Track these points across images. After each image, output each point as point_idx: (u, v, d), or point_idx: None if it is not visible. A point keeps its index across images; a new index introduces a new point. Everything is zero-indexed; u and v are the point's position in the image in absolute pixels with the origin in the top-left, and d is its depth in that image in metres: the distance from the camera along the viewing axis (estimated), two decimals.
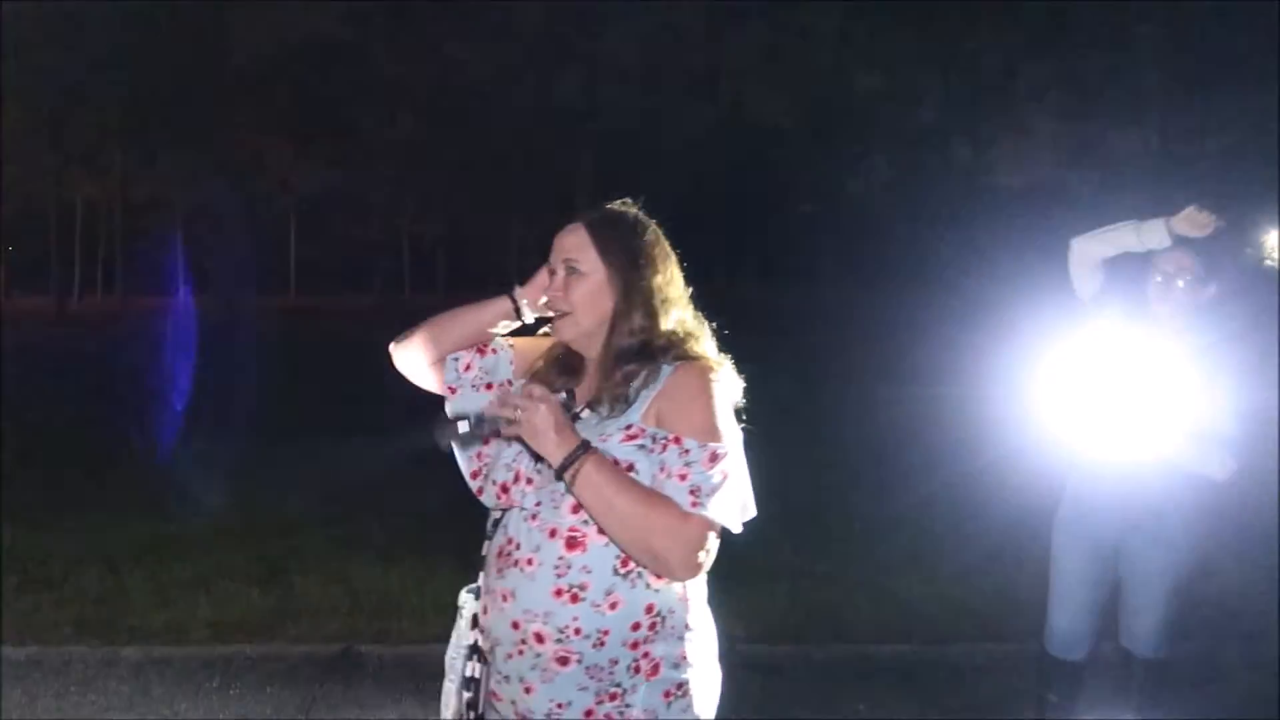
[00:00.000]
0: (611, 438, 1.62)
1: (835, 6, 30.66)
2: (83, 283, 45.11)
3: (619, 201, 1.80)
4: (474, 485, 1.81)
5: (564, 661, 1.61)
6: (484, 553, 1.72)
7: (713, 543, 1.58)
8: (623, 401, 1.65)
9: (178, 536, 5.33)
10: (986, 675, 3.81)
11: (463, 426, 1.58)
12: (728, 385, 1.70)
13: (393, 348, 1.91)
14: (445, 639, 1.79)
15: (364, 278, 41.14)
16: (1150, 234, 2.81)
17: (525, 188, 35.49)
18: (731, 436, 1.63)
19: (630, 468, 1.59)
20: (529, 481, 1.67)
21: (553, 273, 1.74)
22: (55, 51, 24.98)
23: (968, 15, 30.56)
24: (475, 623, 1.72)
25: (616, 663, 1.61)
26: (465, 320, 1.86)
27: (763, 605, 4.33)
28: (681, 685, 1.66)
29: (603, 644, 1.60)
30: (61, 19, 24.42)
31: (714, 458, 1.58)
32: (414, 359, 1.90)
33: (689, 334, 1.73)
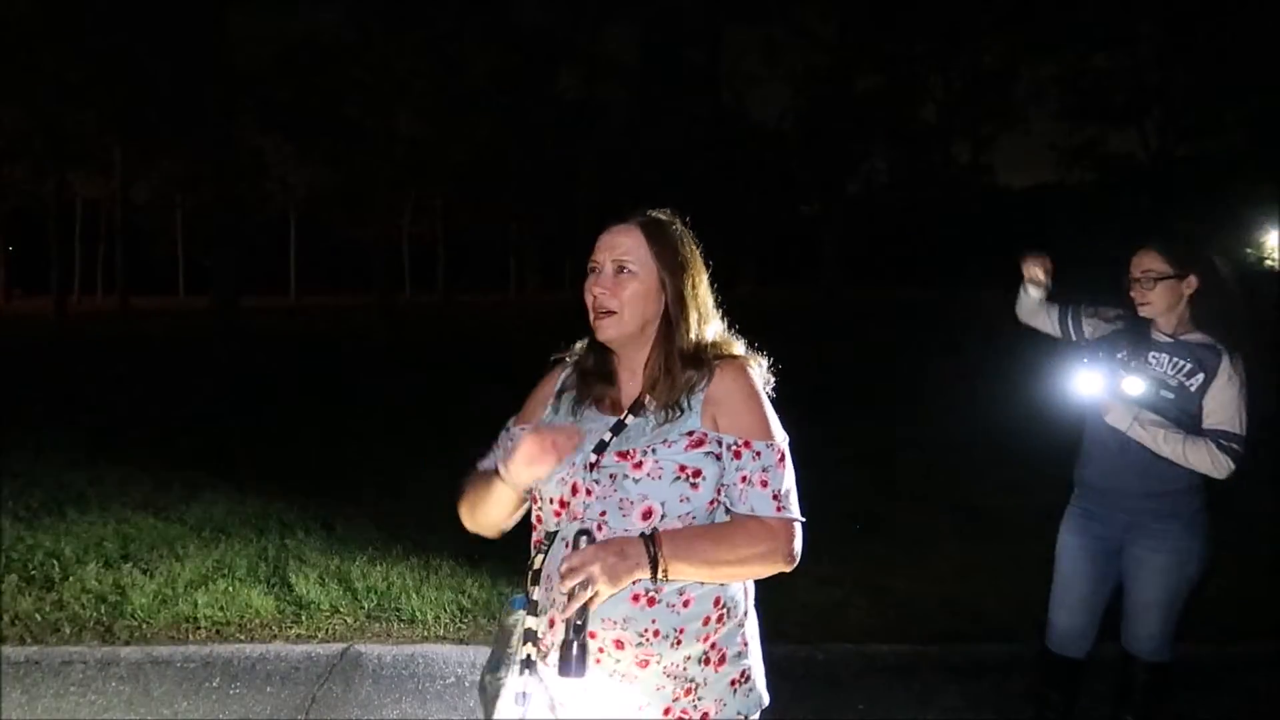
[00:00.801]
0: (675, 444, 1.64)
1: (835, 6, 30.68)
2: (83, 283, 45.14)
3: (660, 210, 1.81)
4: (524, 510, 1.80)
5: (644, 664, 1.63)
6: (536, 567, 1.68)
7: (800, 533, 1.67)
8: (678, 407, 1.67)
9: (178, 535, 5.33)
10: (986, 675, 3.81)
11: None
12: (765, 381, 1.76)
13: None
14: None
15: (363, 278, 41.12)
16: (1027, 295, 3.13)
17: (525, 188, 35.50)
18: (783, 431, 1.71)
19: (698, 473, 1.63)
20: (588, 493, 1.65)
21: (596, 269, 1.72)
22: (55, 51, 24.97)
23: (967, 15, 30.57)
24: (529, 637, 1.66)
25: (690, 658, 1.65)
26: (483, 505, 1.78)
27: (763, 605, 4.32)
28: (745, 672, 1.73)
29: (679, 642, 1.63)
30: (61, 18, 24.41)
31: (781, 457, 1.68)
32: (493, 524, 1.83)
33: (727, 341, 1.78)
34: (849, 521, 5.80)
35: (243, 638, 4.11)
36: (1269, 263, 28.75)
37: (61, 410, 10.20)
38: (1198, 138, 30.50)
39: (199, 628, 4.17)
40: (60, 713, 3.48)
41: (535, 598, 1.67)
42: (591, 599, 1.54)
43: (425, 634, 4.12)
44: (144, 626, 4.17)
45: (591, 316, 1.72)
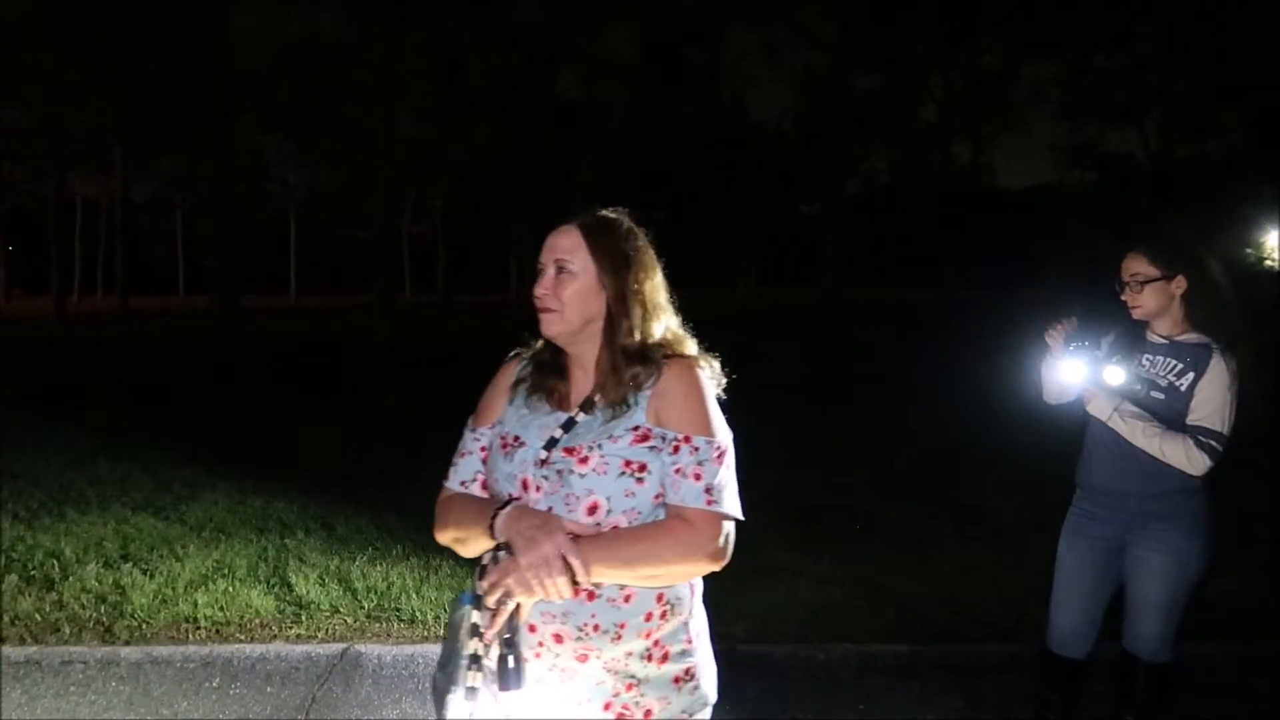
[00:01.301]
0: (620, 439, 1.67)
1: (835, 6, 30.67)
2: (83, 283, 45.14)
3: (612, 209, 1.84)
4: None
5: (583, 659, 1.65)
6: (484, 562, 1.69)
7: (732, 531, 1.67)
8: (624, 403, 1.70)
9: (178, 535, 5.33)
10: (986, 675, 3.81)
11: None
12: (715, 381, 1.77)
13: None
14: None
15: (364, 278, 41.13)
16: (1052, 365, 2.90)
17: (524, 188, 35.51)
18: (726, 430, 1.72)
19: (643, 468, 1.65)
20: (537, 489, 1.68)
21: (542, 270, 1.77)
22: (56, 50, 24.99)
23: (968, 15, 30.57)
24: (475, 632, 1.68)
25: (631, 654, 1.66)
26: (471, 544, 1.75)
27: (763, 605, 4.34)
28: (689, 669, 1.73)
29: (620, 638, 1.65)
30: (61, 18, 24.42)
31: (720, 454, 1.68)
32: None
33: (678, 338, 1.79)
34: (849, 521, 5.81)
35: (243, 638, 4.10)
36: (1269, 263, 28.76)
37: (61, 410, 10.20)
38: (1198, 138, 30.52)
39: (199, 628, 4.17)
40: (60, 713, 3.48)
41: (480, 591, 1.70)
42: (517, 610, 1.58)
43: (425, 634, 4.12)
44: (144, 626, 4.17)
45: (538, 314, 1.76)
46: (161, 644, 4.03)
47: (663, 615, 1.68)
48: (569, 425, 1.71)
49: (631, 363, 1.72)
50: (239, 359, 16.09)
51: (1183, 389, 2.71)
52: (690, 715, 1.73)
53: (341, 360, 16.42)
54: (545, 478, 1.67)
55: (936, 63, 33.53)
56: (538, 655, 1.65)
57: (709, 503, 1.64)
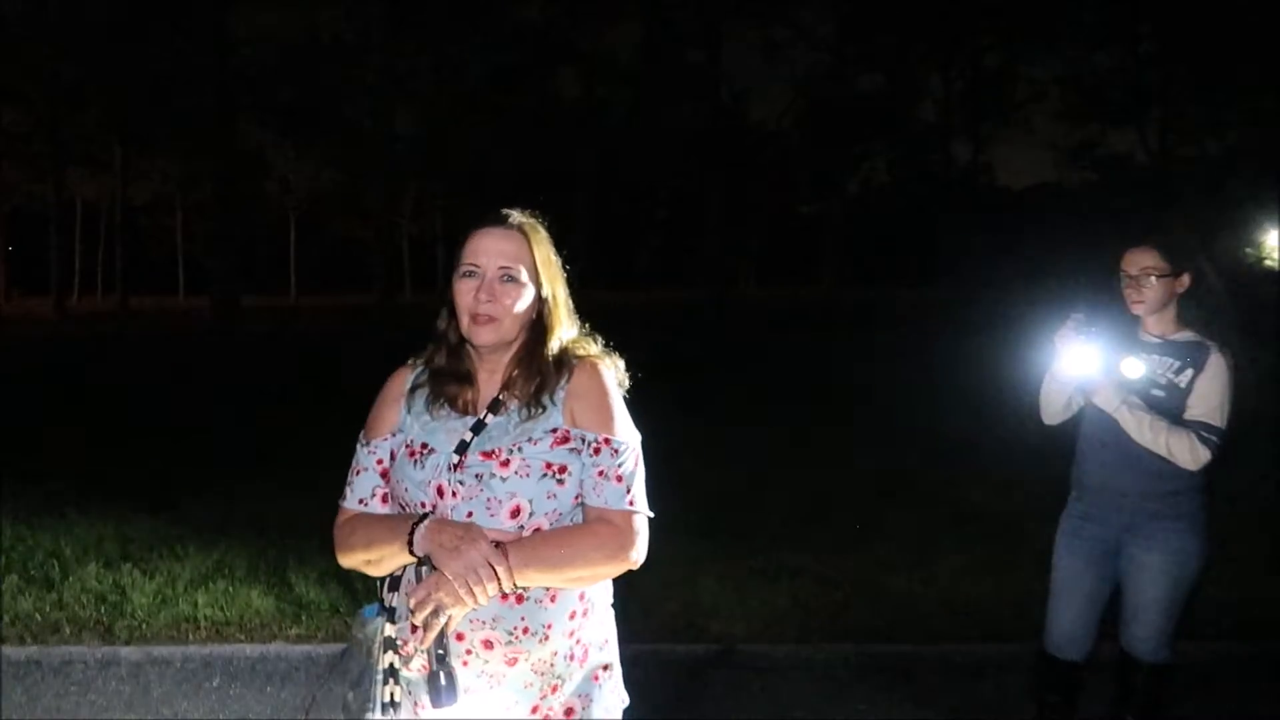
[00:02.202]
0: (540, 441, 1.66)
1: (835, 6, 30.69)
2: (83, 283, 45.15)
3: (523, 211, 1.81)
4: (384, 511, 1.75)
5: (512, 663, 1.64)
6: (396, 572, 1.68)
7: (646, 532, 1.69)
8: (539, 405, 1.69)
9: (178, 535, 5.33)
10: (986, 675, 3.81)
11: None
12: (620, 380, 1.78)
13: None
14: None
15: (363, 278, 41.18)
16: (1064, 354, 2.81)
17: (524, 187, 35.52)
18: (635, 430, 1.74)
19: (563, 469, 1.65)
20: (454, 494, 1.65)
21: (474, 274, 1.71)
22: (55, 50, 25.00)
23: (967, 15, 30.57)
24: (390, 645, 1.66)
25: (557, 654, 1.66)
26: (386, 563, 1.70)
27: (763, 605, 4.34)
28: (607, 666, 1.75)
29: (547, 638, 1.65)
30: (61, 18, 24.43)
31: (636, 456, 1.70)
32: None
33: (581, 338, 1.80)
34: (849, 521, 5.80)
35: (243, 638, 4.10)
36: (1269, 263, 28.74)
37: (61, 410, 10.20)
38: (1198, 138, 30.51)
39: (199, 628, 4.17)
40: (60, 713, 3.48)
41: (393, 604, 1.68)
42: (447, 623, 1.56)
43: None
44: (144, 626, 4.17)
45: (465, 320, 1.70)
46: (161, 644, 4.03)
47: (584, 613, 1.69)
48: (478, 428, 1.68)
49: (554, 368, 1.72)
50: (239, 358, 16.09)
51: (1182, 386, 2.71)
52: (608, 714, 1.73)
53: (341, 359, 16.42)
54: (461, 482, 1.64)
55: (937, 62, 33.53)
56: (465, 663, 1.62)
57: (630, 504, 1.67)
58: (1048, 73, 32.72)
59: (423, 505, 1.66)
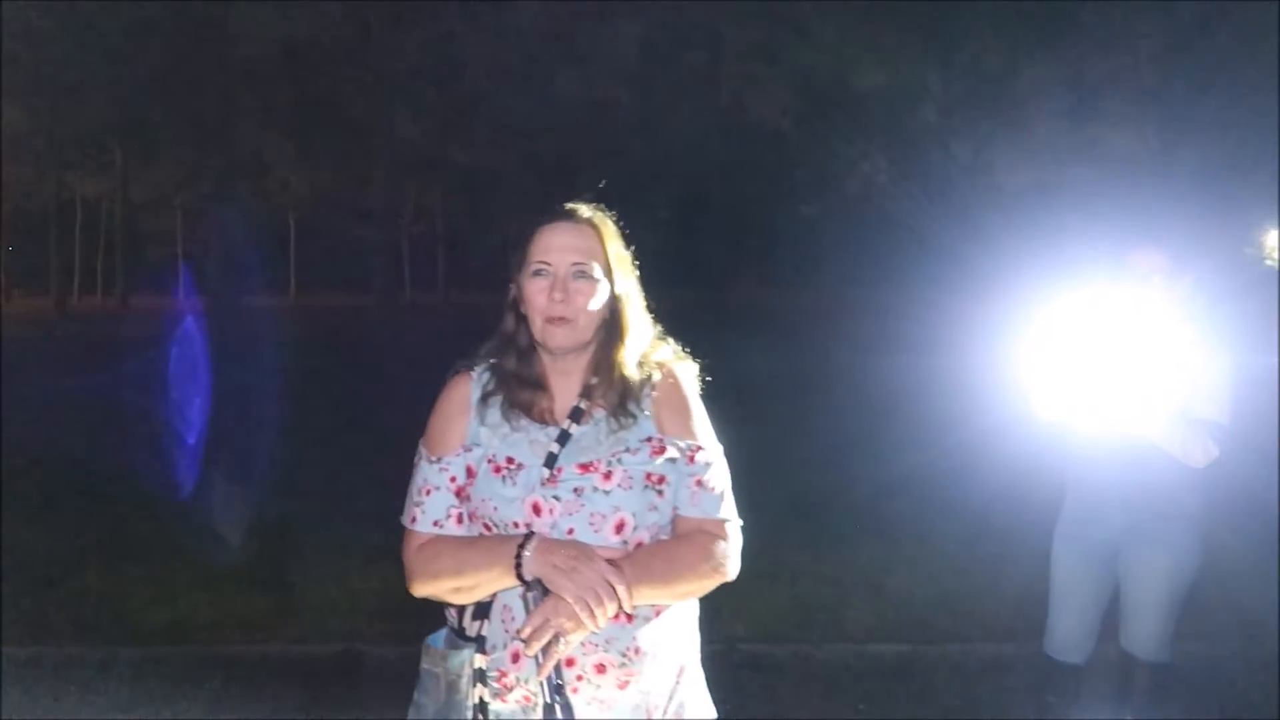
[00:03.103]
0: (638, 452, 1.57)
1: (835, 6, 30.65)
2: (83, 283, 45.13)
3: (591, 204, 1.68)
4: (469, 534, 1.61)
5: (624, 686, 1.54)
6: (486, 599, 1.56)
7: (740, 538, 1.64)
8: (628, 414, 1.60)
9: (178, 536, 5.33)
10: (986, 675, 3.81)
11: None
12: (697, 382, 1.71)
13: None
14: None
15: (363, 278, 41.17)
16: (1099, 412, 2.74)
17: (524, 188, 35.51)
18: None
19: (662, 480, 1.57)
20: (550, 511, 1.54)
21: (545, 273, 1.59)
22: (55, 50, 24.99)
23: (968, 15, 30.56)
24: (480, 678, 1.54)
25: (664, 672, 1.59)
26: (479, 590, 1.57)
27: (763, 605, 4.33)
28: (696, 678, 1.68)
29: (657, 657, 1.57)
30: (61, 18, 24.44)
31: (723, 462, 1.64)
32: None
33: (658, 343, 1.71)
34: (849, 521, 5.80)
35: (243, 638, 4.11)
36: (1269, 262, 28.73)
37: (61, 409, 10.20)
38: (1198, 137, 30.49)
39: (199, 628, 4.17)
40: (60, 713, 3.48)
41: (481, 633, 1.56)
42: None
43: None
44: (144, 626, 4.17)
45: (540, 322, 1.59)
46: (161, 644, 4.03)
47: (684, 627, 1.63)
48: (564, 439, 1.57)
49: (639, 372, 1.62)
50: (238, 358, 16.08)
51: (1187, 385, 2.70)
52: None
53: (341, 359, 16.43)
54: (557, 497, 1.53)
55: (937, 61, 33.50)
56: (575, 690, 1.51)
57: (726, 513, 1.61)
58: (1048, 72, 32.70)
59: (516, 525, 1.53)
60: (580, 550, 1.47)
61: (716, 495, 1.61)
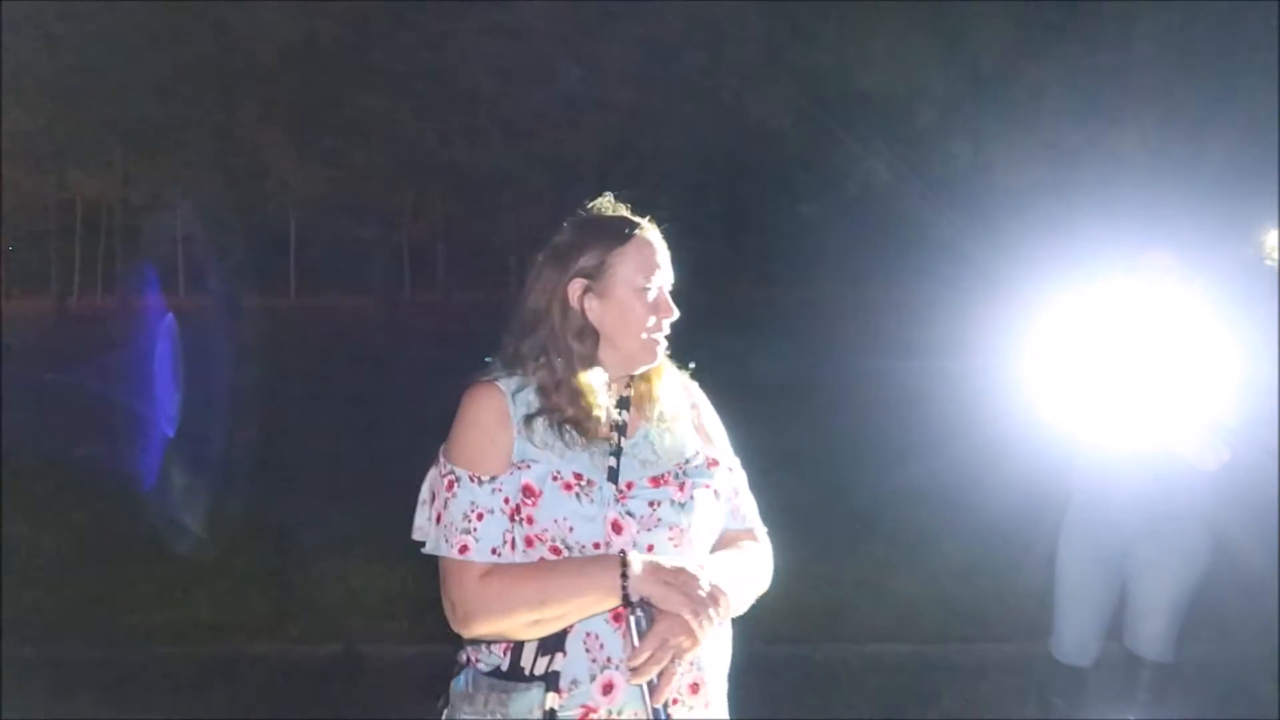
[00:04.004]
0: (698, 464, 1.55)
1: (835, 6, 30.67)
2: (82, 283, 45.14)
3: (609, 199, 1.64)
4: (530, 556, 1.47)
5: (709, 705, 1.50)
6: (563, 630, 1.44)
7: None
8: (678, 426, 1.58)
9: (179, 536, 5.33)
10: (986, 675, 3.81)
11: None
12: None
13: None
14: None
15: (363, 278, 41.20)
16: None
17: (525, 188, 35.52)
18: None
19: (717, 492, 1.56)
20: (625, 529, 1.45)
21: (650, 290, 1.53)
22: (56, 50, 25.00)
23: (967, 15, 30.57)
24: (551, 717, 1.41)
25: (722, 684, 1.56)
26: (569, 617, 1.43)
27: (763, 605, 4.33)
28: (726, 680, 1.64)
29: (721, 670, 1.55)
30: (61, 18, 24.43)
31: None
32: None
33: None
34: (849, 521, 5.80)
35: (243, 638, 4.11)
36: (1269, 262, 28.74)
37: (60, 409, 10.20)
38: (1198, 137, 30.49)
39: (199, 628, 4.17)
40: (60, 713, 3.48)
41: (554, 669, 1.42)
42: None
43: (425, 634, 4.12)
44: (144, 626, 4.17)
45: (640, 338, 1.53)
46: (161, 644, 4.04)
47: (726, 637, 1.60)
48: (618, 453, 1.50)
49: (671, 382, 1.62)
50: (239, 358, 16.09)
51: (1195, 385, 2.69)
52: None
53: (341, 359, 16.43)
54: (631, 514, 1.45)
55: (937, 61, 33.50)
56: (668, 716, 1.43)
57: (761, 522, 1.63)
58: (1048, 72, 32.71)
59: (596, 545, 1.43)
60: (681, 566, 1.41)
61: (753, 504, 1.63)
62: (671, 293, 1.60)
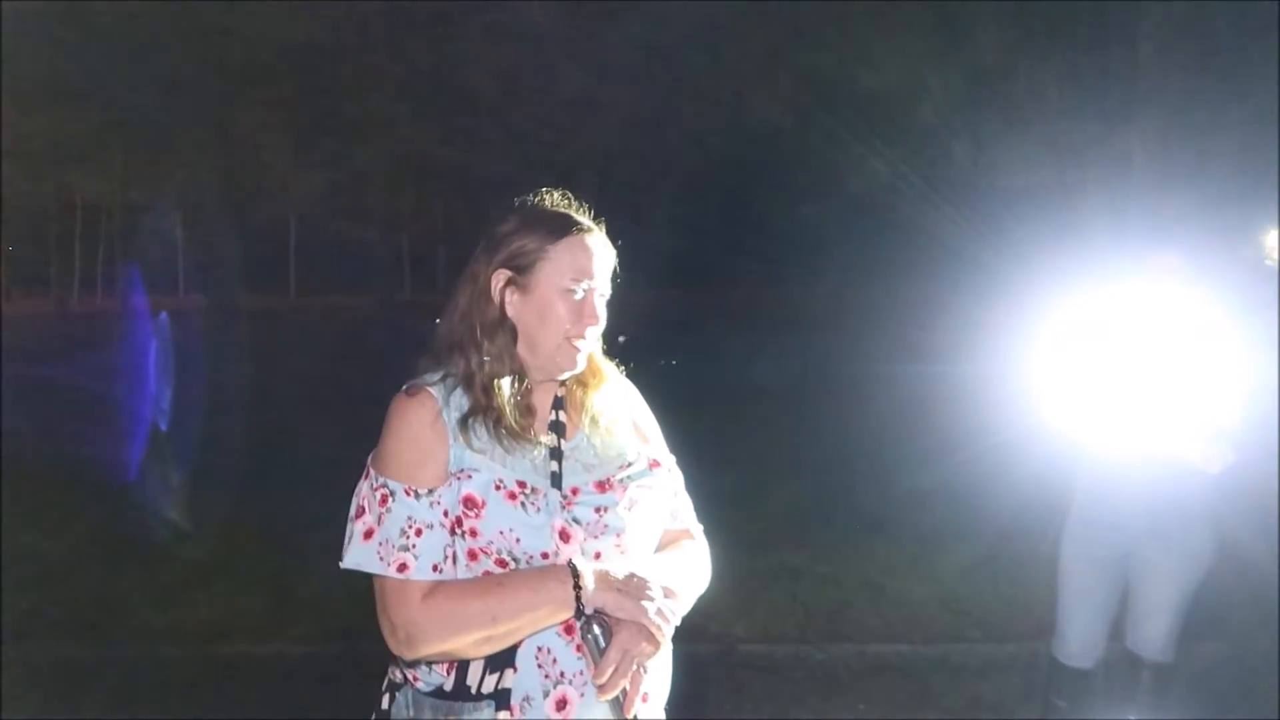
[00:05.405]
0: (638, 465, 1.50)
1: (835, 6, 30.67)
2: (82, 283, 45.13)
3: (551, 195, 1.55)
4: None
5: (658, 711, 1.46)
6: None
7: None
8: (616, 427, 1.52)
9: (178, 536, 5.33)
10: (986, 675, 3.81)
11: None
12: None
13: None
14: None
15: (363, 279, 41.19)
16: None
17: (525, 189, 35.47)
18: None
19: (659, 494, 1.52)
20: (575, 536, 1.39)
21: (578, 291, 1.45)
22: (56, 50, 25.00)
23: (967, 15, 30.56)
24: None
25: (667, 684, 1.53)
26: (520, 633, 1.36)
27: (763, 605, 4.33)
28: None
29: (669, 668, 1.50)
30: (62, 19, 24.44)
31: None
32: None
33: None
34: (849, 521, 5.80)
35: (243, 638, 4.10)
36: (1269, 262, 28.73)
37: (60, 408, 10.20)
38: (1198, 136, 30.50)
39: (199, 628, 4.17)
40: (61, 713, 3.48)
41: (504, 685, 1.35)
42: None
43: None
44: (144, 627, 4.17)
45: (555, 340, 1.44)
46: (161, 644, 4.03)
47: None
48: (557, 456, 1.43)
49: (603, 381, 1.55)
50: (238, 358, 16.09)
51: (1200, 387, 2.69)
52: None
53: (341, 359, 16.42)
54: (577, 520, 1.38)
55: (936, 61, 33.50)
56: None
57: (697, 521, 1.60)
58: (1048, 72, 32.72)
59: (545, 555, 1.36)
60: (630, 574, 1.37)
61: (690, 506, 1.59)
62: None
